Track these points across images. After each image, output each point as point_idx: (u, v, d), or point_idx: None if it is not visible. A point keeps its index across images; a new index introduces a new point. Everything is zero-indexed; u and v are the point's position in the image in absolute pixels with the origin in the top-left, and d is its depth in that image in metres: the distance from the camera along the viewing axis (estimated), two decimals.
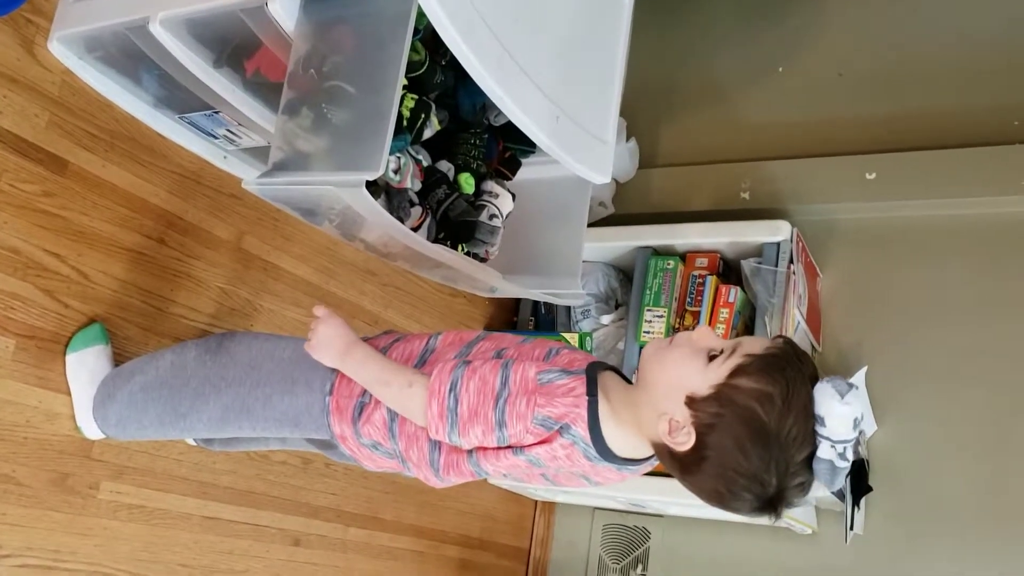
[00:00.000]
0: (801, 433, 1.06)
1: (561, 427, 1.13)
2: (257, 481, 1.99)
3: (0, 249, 1.53)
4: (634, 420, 1.15)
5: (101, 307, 1.69)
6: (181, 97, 1.66)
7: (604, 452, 1.15)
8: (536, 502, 2.88)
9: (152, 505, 1.78)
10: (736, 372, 1.07)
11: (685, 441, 1.08)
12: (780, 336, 1.12)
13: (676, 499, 2.42)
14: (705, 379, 1.08)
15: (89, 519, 1.68)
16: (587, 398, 1.14)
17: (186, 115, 1.73)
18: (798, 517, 2.35)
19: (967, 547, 2.32)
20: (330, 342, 1.29)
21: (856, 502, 2.35)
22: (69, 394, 1.62)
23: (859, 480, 2.34)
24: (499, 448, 1.17)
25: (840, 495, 2.32)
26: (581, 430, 1.14)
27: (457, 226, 1.62)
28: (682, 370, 1.10)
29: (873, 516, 2.43)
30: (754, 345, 1.10)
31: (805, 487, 1.09)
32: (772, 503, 1.09)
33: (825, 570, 2.47)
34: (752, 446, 1.05)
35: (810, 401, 1.06)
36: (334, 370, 1.32)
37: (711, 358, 1.10)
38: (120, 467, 1.72)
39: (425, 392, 1.18)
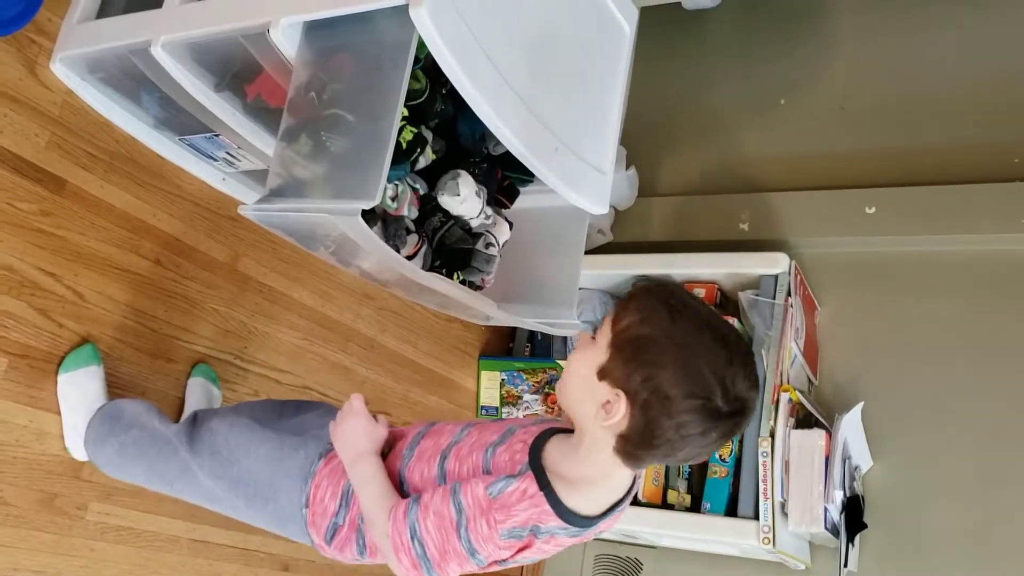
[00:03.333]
0: (698, 320, 1.07)
1: (532, 529, 1.11)
2: None
3: None
4: (590, 461, 1.13)
5: (95, 327, 1.68)
6: (182, 119, 1.67)
7: (583, 522, 1.14)
8: None
9: (140, 527, 1.77)
10: (614, 322, 1.10)
11: (621, 408, 1.07)
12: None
13: (669, 531, 2.41)
14: (598, 349, 1.10)
15: (76, 540, 1.67)
16: (542, 493, 1.11)
17: (186, 137, 1.74)
18: (792, 553, 2.33)
19: None
20: (346, 443, 1.27)
21: (851, 539, 2.33)
22: (60, 414, 1.62)
23: (854, 517, 2.32)
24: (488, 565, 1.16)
25: (835, 532, 2.30)
26: (553, 522, 1.12)
27: (453, 254, 1.62)
28: (580, 360, 1.12)
29: (867, 553, 2.41)
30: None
31: (743, 359, 1.08)
32: (729, 398, 1.05)
33: None
34: (670, 360, 1.05)
35: (687, 296, 1.11)
36: (309, 477, 1.30)
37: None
38: (110, 488, 1.71)
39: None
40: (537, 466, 1.13)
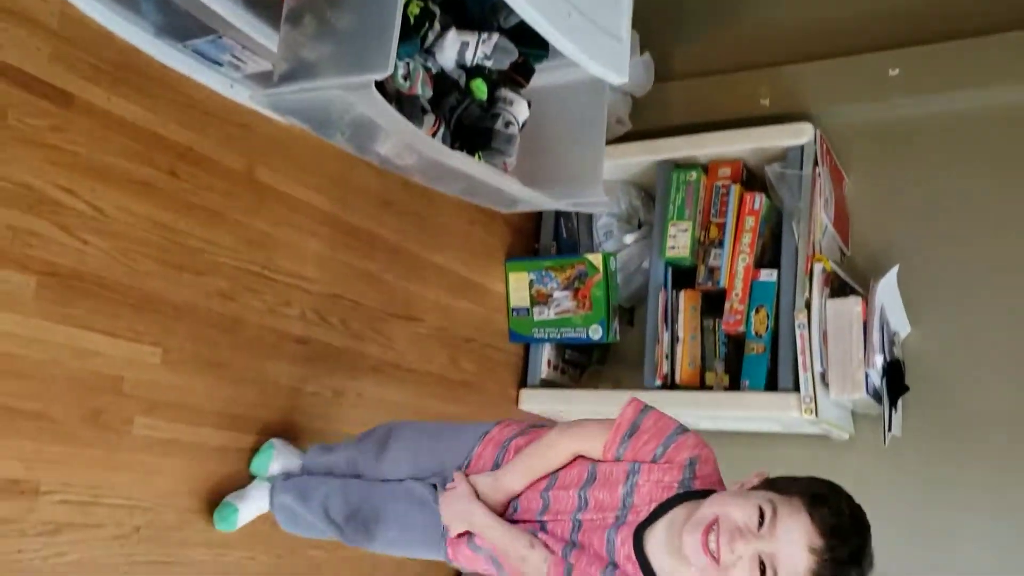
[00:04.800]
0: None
1: None
2: (290, 413, 1.98)
3: (12, 185, 1.51)
4: None
5: (118, 242, 1.67)
6: (182, 23, 1.63)
7: None
8: None
9: (187, 439, 1.78)
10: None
11: None
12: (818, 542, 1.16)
13: (709, 412, 2.40)
14: None
15: (125, 454, 1.68)
16: None
17: (189, 42, 1.70)
18: (836, 422, 2.33)
19: (1006, 447, 2.28)
20: (452, 518, 1.46)
21: (893, 403, 2.32)
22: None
23: (896, 380, 2.30)
24: None
25: (877, 397, 2.29)
26: None
27: (472, 133, 1.58)
28: None
29: (910, 418, 2.39)
30: (795, 567, 1.16)
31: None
32: None
33: (864, 475, 2.44)
34: None
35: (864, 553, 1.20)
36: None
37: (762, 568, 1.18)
38: (152, 402, 1.72)
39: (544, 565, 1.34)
40: None
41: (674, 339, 2.44)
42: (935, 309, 2.41)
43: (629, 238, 2.64)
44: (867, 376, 2.23)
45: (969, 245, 2.40)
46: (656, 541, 1.30)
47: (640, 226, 2.70)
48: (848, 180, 2.57)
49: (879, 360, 2.25)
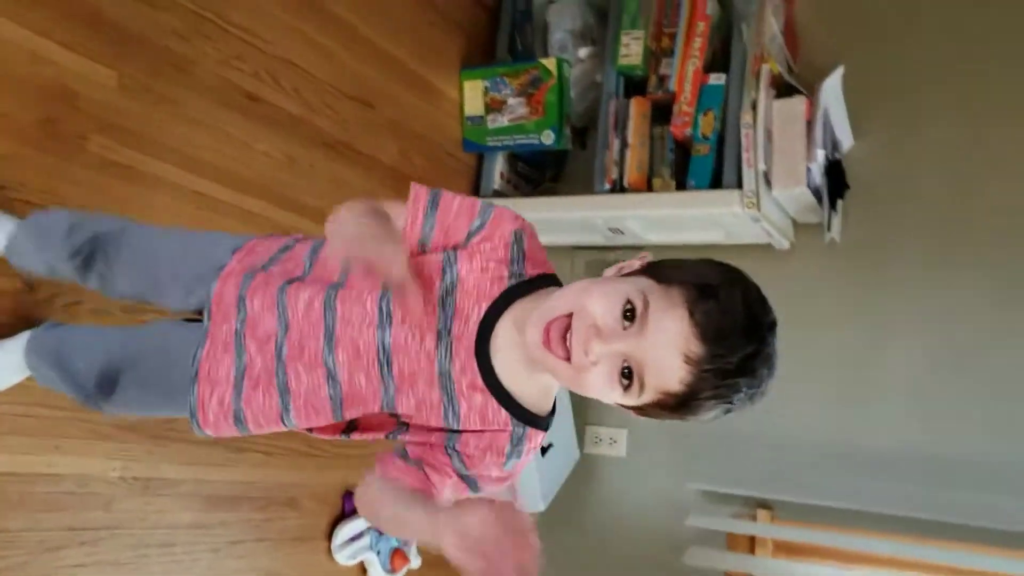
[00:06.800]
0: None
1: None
2: (236, 164, 2.00)
3: None
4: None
5: None
6: None
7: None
8: None
9: (141, 168, 1.79)
10: (656, 404, 0.96)
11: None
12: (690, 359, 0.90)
13: (655, 210, 2.46)
14: (626, 400, 0.97)
15: (79, 170, 1.69)
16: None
17: None
18: (777, 223, 2.40)
19: (942, 251, 2.37)
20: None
21: (833, 203, 2.40)
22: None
23: (836, 180, 2.38)
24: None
25: (818, 196, 2.37)
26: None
27: None
28: (603, 396, 0.97)
29: (849, 227, 2.48)
30: (665, 378, 0.92)
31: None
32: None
33: (805, 282, 2.52)
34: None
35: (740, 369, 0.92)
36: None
37: (625, 380, 0.94)
38: (106, 123, 1.73)
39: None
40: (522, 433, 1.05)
41: (624, 144, 2.50)
42: (879, 120, 2.48)
43: (583, 52, 2.68)
44: (808, 170, 2.31)
45: (915, 59, 2.46)
46: (504, 356, 1.02)
47: (594, 43, 2.73)
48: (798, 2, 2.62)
49: (820, 155, 2.32)
